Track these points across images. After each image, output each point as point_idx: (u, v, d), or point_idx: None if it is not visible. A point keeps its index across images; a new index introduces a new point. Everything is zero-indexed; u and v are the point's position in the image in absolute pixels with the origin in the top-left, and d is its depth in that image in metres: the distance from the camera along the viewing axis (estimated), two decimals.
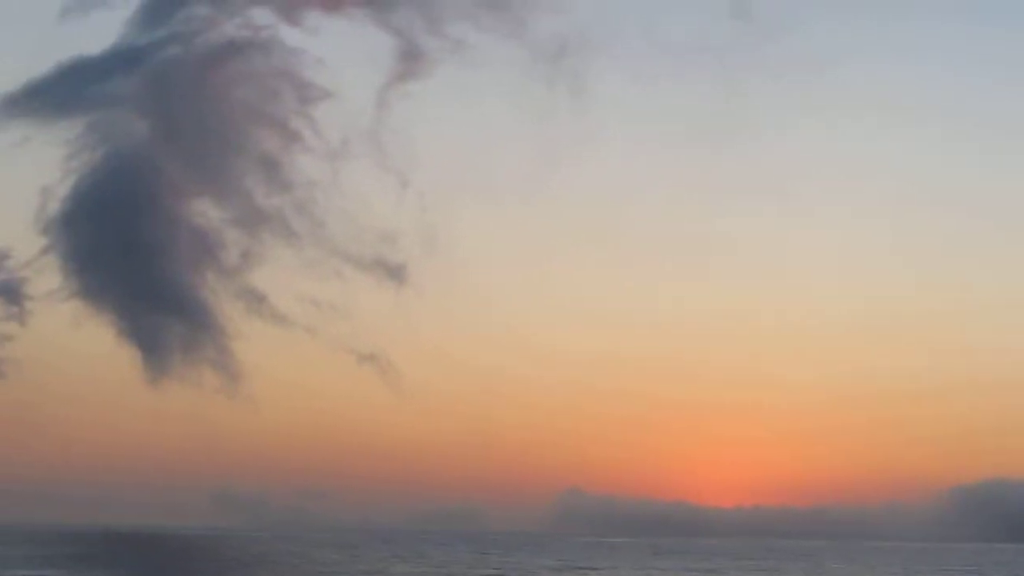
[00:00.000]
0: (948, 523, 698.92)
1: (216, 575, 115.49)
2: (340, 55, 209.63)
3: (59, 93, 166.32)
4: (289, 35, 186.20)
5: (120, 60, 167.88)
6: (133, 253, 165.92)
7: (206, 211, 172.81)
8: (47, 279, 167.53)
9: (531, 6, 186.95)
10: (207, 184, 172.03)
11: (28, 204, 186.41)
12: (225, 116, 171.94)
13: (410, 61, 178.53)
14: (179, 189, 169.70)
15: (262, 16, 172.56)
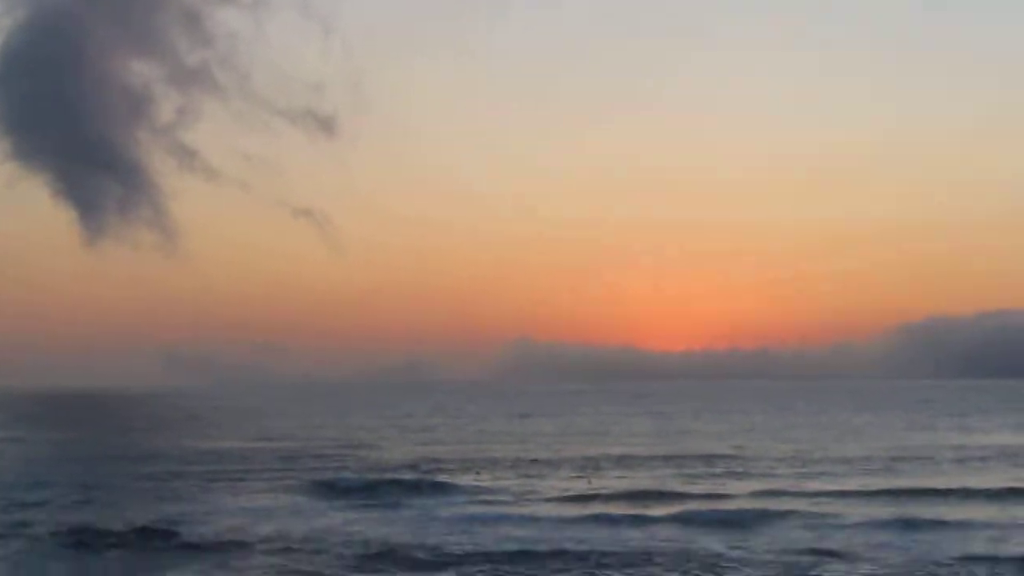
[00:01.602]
0: (893, 361, 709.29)
1: (159, 429, 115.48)
2: None
3: None
4: None
5: None
6: (65, 113, 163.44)
7: (135, 69, 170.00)
8: None
9: None
10: (133, 42, 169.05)
11: None
12: None
13: None
14: (107, 48, 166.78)
15: None
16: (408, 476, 63.07)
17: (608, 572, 35.67)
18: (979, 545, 39.91)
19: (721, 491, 57.14)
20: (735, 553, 38.64)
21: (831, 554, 38.54)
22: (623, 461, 75.50)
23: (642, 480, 63.03)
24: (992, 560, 36.74)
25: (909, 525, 44.21)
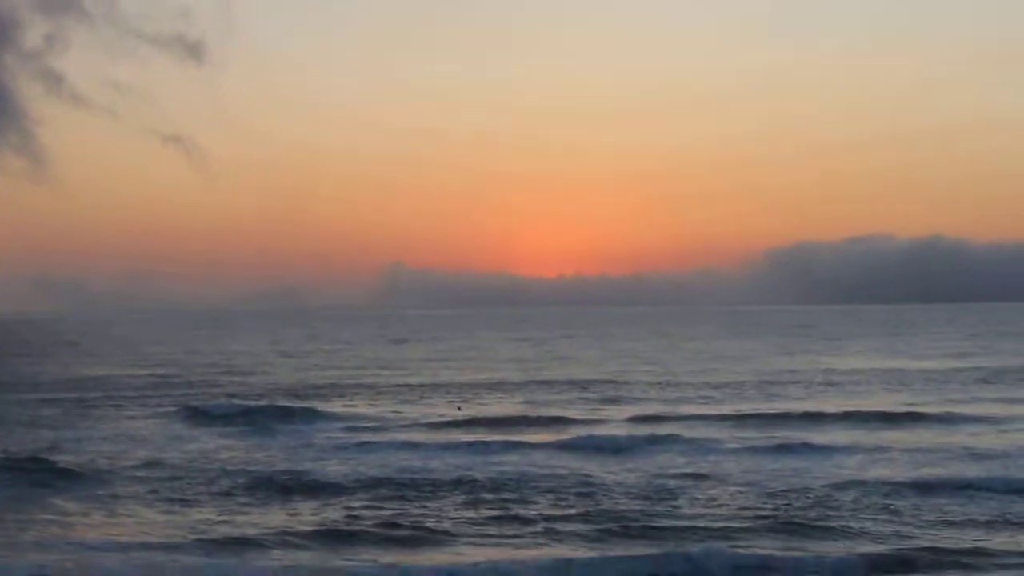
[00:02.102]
0: (762, 287, 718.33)
1: (30, 356, 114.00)
2: None
3: None
4: None
5: None
6: None
7: None
8: None
9: None
10: None
11: None
12: None
13: None
14: None
15: None
16: (283, 403, 62.83)
17: (484, 496, 35.84)
18: (848, 470, 40.55)
19: (597, 417, 57.64)
20: (610, 477, 38.98)
21: (704, 477, 39.00)
22: (498, 387, 75.92)
23: (516, 406, 63.42)
24: (860, 484, 37.34)
25: (782, 448, 44.86)
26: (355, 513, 33.23)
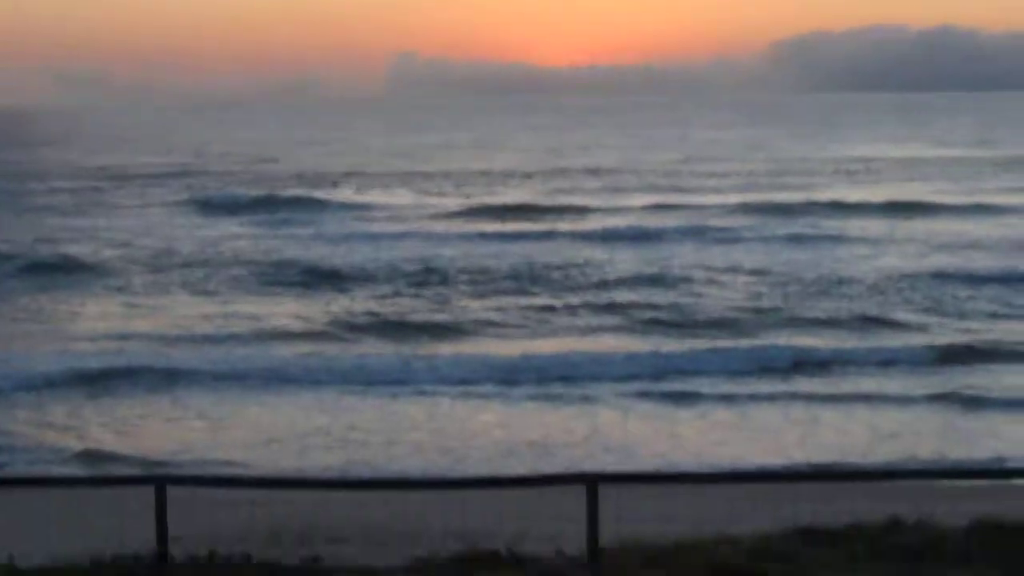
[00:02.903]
0: (774, 75, 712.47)
1: (48, 145, 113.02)
2: None
3: None
4: None
5: None
6: None
7: None
8: None
9: None
10: None
11: None
12: None
13: None
14: None
15: None
16: (293, 192, 62.04)
17: (507, 284, 35.69)
18: (886, 260, 40.08)
19: (614, 204, 57.12)
20: (639, 268, 38.60)
21: (735, 269, 38.54)
22: (511, 175, 75.41)
23: (533, 194, 62.86)
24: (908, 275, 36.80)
25: (807, 239, 44.35)
26: (386, 304, 32.98)
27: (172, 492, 10.23)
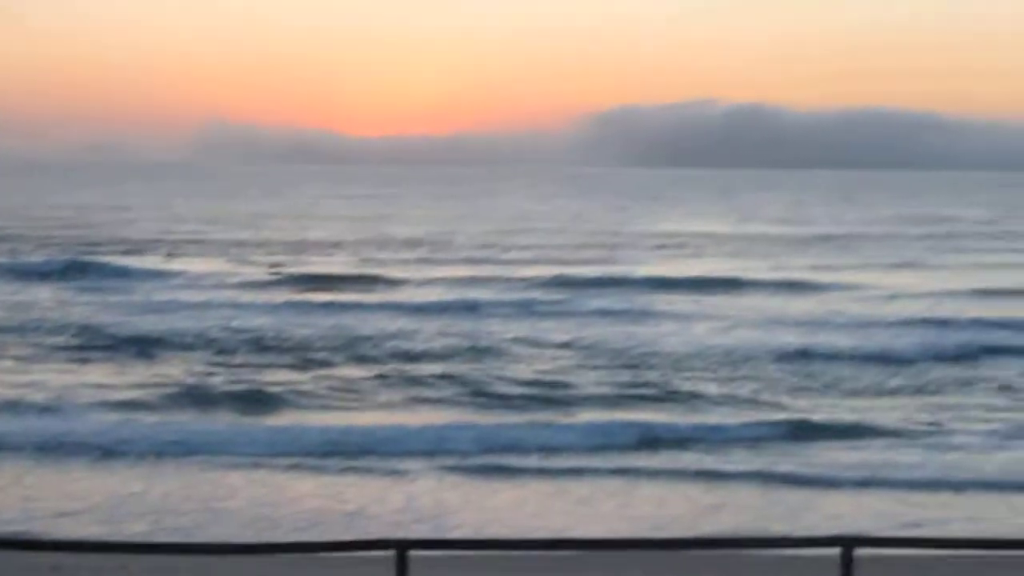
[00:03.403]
0: (583, 148, 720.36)
1: None
2: None
3: None
4: None
5: None
6: None
7: None
8: None
9: None
10: None
11: None
12: None
13: None
14: None
15: None
16: (102, 258, 60.94)
17: (310, 355, 35.51)
18: (700, 335, 40.57)
19: (423, 276, 57.19)
20: (425, 339, 38.69)
21: (520, 340, 38.75)
22: (320, 245, 75.16)
23: (341, 264, 62.74)
24: (725, 351, 37.30)
25: (620, 313, 44.71)
26: (197, 374, 32.50)
27: None
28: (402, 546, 9.80)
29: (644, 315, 44.72)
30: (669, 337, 39.74)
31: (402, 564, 9.70)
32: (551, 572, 14.98)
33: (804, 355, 36.26)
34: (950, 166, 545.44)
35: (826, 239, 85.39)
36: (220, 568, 14.43)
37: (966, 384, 32.77)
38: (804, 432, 26.61)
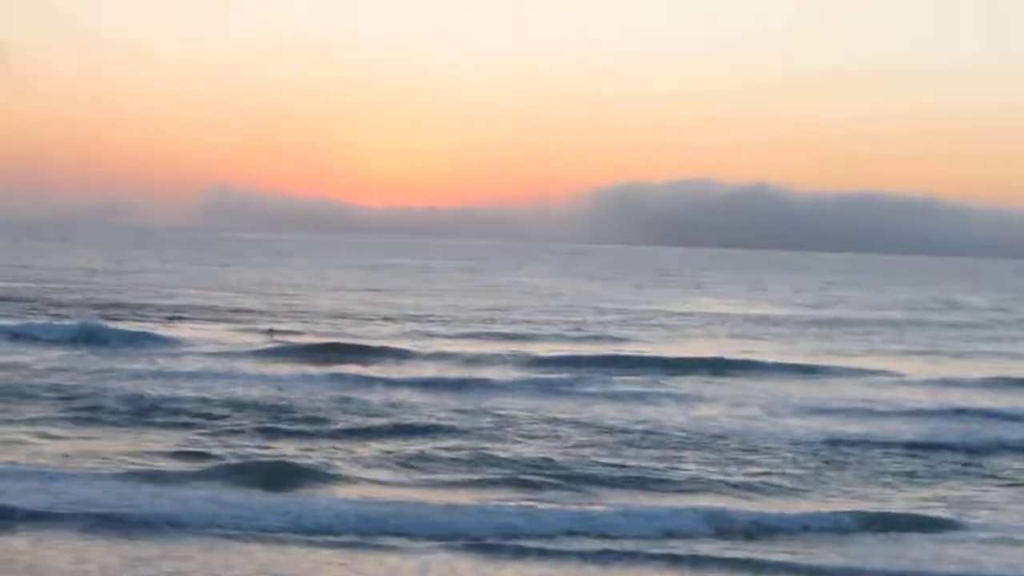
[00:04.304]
0: (590, 225, 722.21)
1: None
2: None
3: None
4: None
5: None
6: None
7: None
8: None
9: None
10: None
11: None
12: None
13: None
14: None
15: None
16: (110, 323, 60.25)
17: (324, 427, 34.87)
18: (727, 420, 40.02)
19: (434, 349, 56.58)
20: (440, 414, 38.12)
21: (557, 421, 38.11)
22: (327, 315, 74.64)
23: (347, 334, 62.16)
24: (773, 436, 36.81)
25: (642, 396, 44.18)
26: (213, 445, 31.89)
27: None
28: None
29: (667, 396, 44.07)
30: (690, 419, 39.15)
31: None
32: None
33: (840, 442, 35.63)
34: (952, 251, 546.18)
35: (846, 322, 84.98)
36: None
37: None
38: (879, 523, 25.82)
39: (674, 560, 22.62)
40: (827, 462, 32.93)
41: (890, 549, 24.09)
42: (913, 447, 35.63)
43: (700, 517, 25.19)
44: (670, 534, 24.31)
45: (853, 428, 38.44)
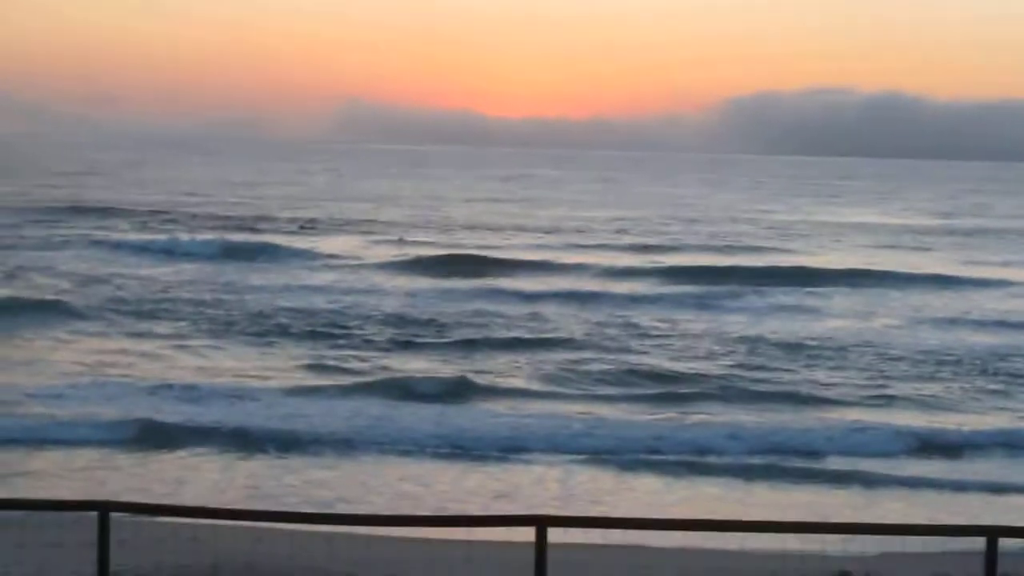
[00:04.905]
0: (724, 135, 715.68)
1: None
2: None
3: None
4: None
5: None
6: None
7: None
8: None
9: None
10: None
11: None
12: None
13: None
14: None
15: None
16: (245, 239, 60.47)
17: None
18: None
19: (565, 260, 56.12)
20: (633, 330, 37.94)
21: (697, 335, 37.79)
22: (470, 227, 74.52)
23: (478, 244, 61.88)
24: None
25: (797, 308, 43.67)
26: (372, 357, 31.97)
27: (116, 520, 10.19)
28: (542, 521, 10.11)
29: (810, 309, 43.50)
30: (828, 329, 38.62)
31: (542, 539, 9.99)
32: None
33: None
34: None
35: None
36: (373, 540, 14.21)
37: None
38: None
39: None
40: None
41: None
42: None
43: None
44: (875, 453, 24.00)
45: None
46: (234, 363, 30.90)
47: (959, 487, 21.92)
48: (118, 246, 55.82)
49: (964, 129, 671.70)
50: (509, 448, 23.48)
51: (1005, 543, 10.09)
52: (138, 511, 11.74)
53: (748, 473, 22.43)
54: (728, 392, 28.80)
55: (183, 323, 36.34)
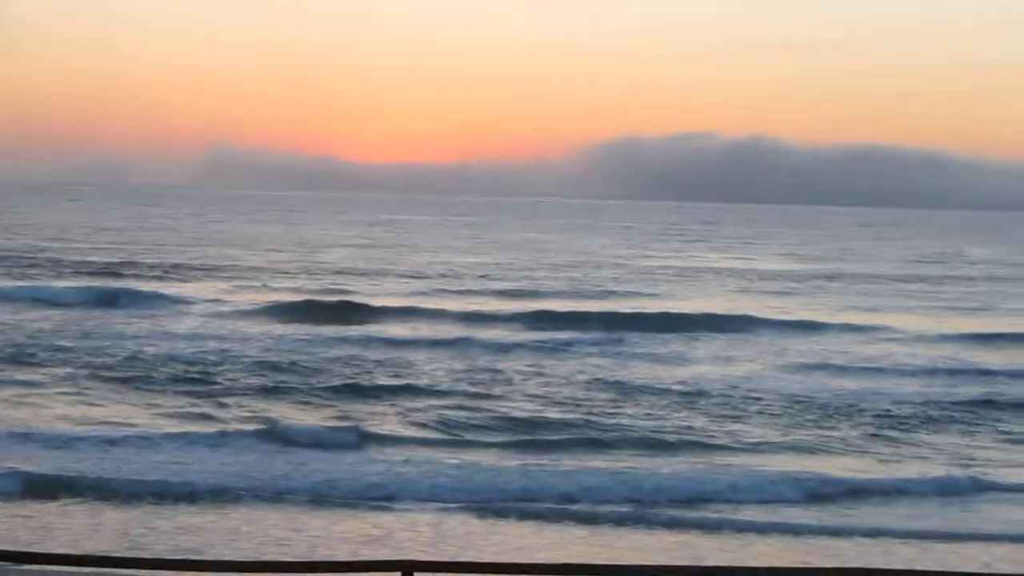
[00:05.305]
0: (589, 180, 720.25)
1: None
2: None
3: None
4: None
5: None
6: None
7: None
8: None
9: None
10: None
11: None
12: None
13: None
14: None
15: None
16: (107, 284, 59.86)
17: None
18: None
19: (428, 306, 56.32)
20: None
21: (558, 378, 38.16)
22: (340, 272, 74.47)
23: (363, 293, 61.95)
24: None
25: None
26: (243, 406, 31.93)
27: None
28: (408, 567, 9.90)
29: (667, 355, 44.10)
30: (693, 375, 39.16)
31: None
32: None
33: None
34: (955, 205, 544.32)
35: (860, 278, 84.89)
36: None
37: None
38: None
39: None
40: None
41: None
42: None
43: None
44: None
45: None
46: (101, 411, 30.68)
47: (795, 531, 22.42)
48: None
49: (827, 173, 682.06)
50: (380, 496, 23.61)
51: None
52: (5, 559, 11.68)
53: (617, 518, 22.73)
54: (596, 438, 29.14)
55: (44, 369, 35.97)
